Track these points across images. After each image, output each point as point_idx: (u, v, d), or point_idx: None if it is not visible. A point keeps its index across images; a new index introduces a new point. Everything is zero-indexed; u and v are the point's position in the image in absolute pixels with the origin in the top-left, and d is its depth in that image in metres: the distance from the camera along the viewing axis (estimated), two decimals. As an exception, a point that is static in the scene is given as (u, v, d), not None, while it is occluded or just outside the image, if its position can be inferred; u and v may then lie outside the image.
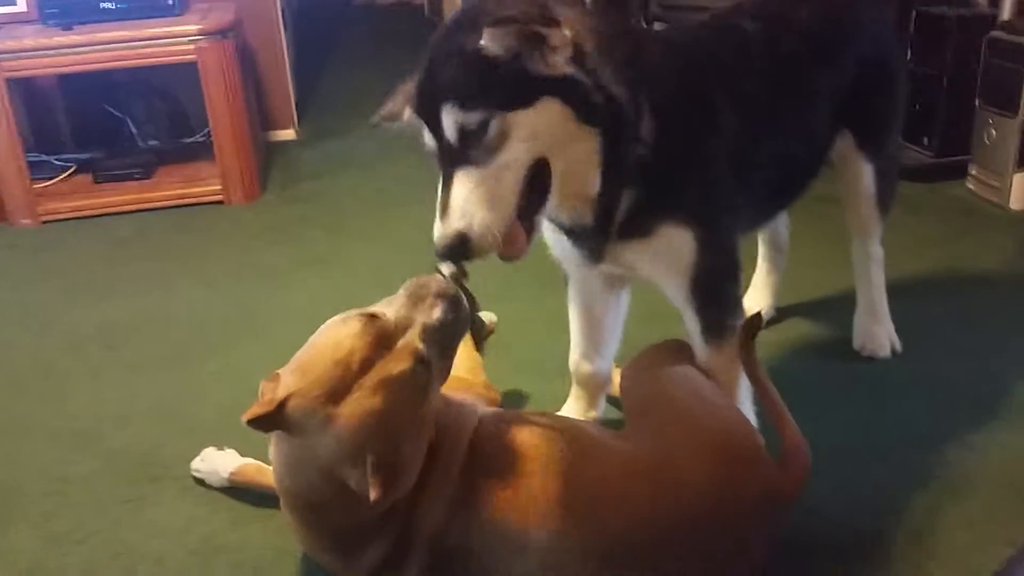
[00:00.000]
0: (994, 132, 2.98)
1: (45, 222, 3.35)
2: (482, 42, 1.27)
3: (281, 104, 4.22)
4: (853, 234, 2.12)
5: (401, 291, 1.42)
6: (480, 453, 1.43)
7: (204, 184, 3.45)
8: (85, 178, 3.57)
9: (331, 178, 3.68)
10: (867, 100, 1.90)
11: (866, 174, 1.98)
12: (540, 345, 2.24)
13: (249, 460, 1.80)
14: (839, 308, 2.30)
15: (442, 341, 1.38)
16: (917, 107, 3.22)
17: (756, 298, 2.32)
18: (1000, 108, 2.95)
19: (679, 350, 1.64)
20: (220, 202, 3.43)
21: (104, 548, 1.68)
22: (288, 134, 4.25)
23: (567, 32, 1.30)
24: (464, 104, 1.29)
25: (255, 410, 1.31)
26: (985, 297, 2.43)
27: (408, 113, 1.45)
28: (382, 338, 1.33)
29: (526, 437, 1.44)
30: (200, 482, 1.83)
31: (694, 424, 1.44)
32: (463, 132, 1.30)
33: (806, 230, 2.52)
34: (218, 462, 1.81)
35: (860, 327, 2.19)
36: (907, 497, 1.68)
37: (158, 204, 3.42)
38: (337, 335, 1.33)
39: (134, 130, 3.93)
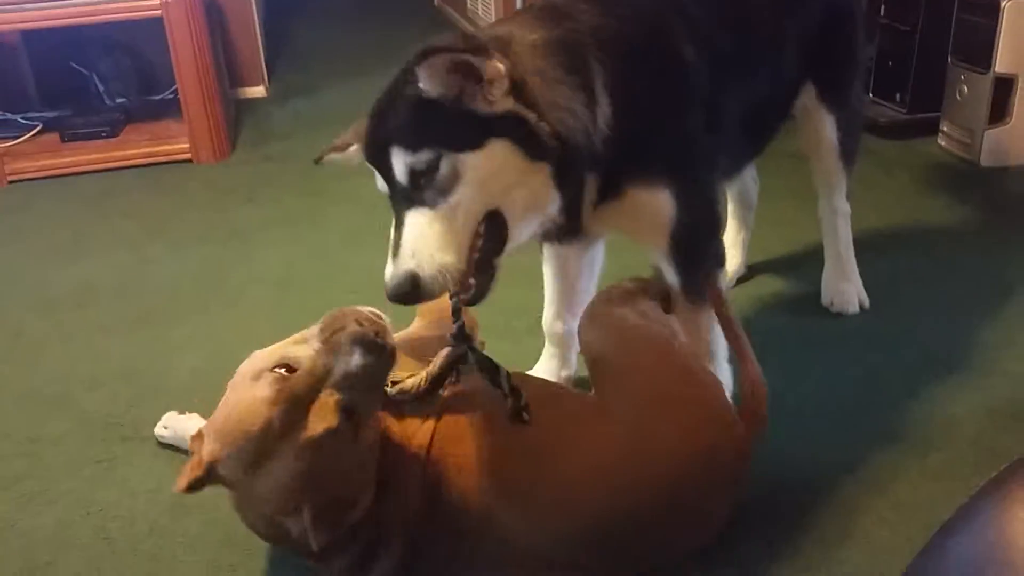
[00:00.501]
0: (966, 88, 2.99)
1: (12, 182, 3.31)
2: (420, 84, 1.26)
3: (251, 60, 4.17)
4: (819, 189, 2.13)
5: (316, 330, 1.32)
6: (445, 437, 1.41)
7: (172, 142, 3.42)
8: (52, 137, 3.53)
9: (302, 137, 3.64)
10: (829, 49, 1.90)
11: (828, 125, 1.99)
12: (510, 303, 2.24)
13: None
14: (808, 265, 2.32)
15: (367, 381, 1.30)
16: (890, 63, 3.22)
17: (726, 256, 2.32)
18: (972, 64, 2.95)
19: (636, 291, 1.58)
20: (189, 160, 3.39)
21: (75, 507, 1.68)
22: (258, 91, 4.20)
23: (499, 65, 1.27)
24: (411, 145, 1.27)
25: (186, 475, 1.28)
26: (954, 253, 2.45)
27: (353, 148, 1.45)
28: (298, 399, 1.25)
29: (492, 414, 1.42)
30: (169, 446, 1.83)
31: (668, 396, 1.42)
32: (413, 173, 1.28)
33: (775, 186, 2.53)
34: (181, 426, 1.81)
35: (828, 283, 2.21)
36: (871, 451, 1.70)
37: (126, 163, 3.38)
38: (251, 402, 1.26)
39: (101, 87, 3.87)
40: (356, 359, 1.27)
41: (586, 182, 1.44)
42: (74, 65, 3.84)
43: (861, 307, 2.18)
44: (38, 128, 3.59)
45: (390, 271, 1.28)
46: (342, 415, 1.25)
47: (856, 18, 1.98)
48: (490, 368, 1.41)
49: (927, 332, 2.08)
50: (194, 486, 1.29)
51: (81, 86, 3.86)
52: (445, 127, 1.27)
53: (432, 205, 1.28)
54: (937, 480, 1.63)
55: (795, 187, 2.62)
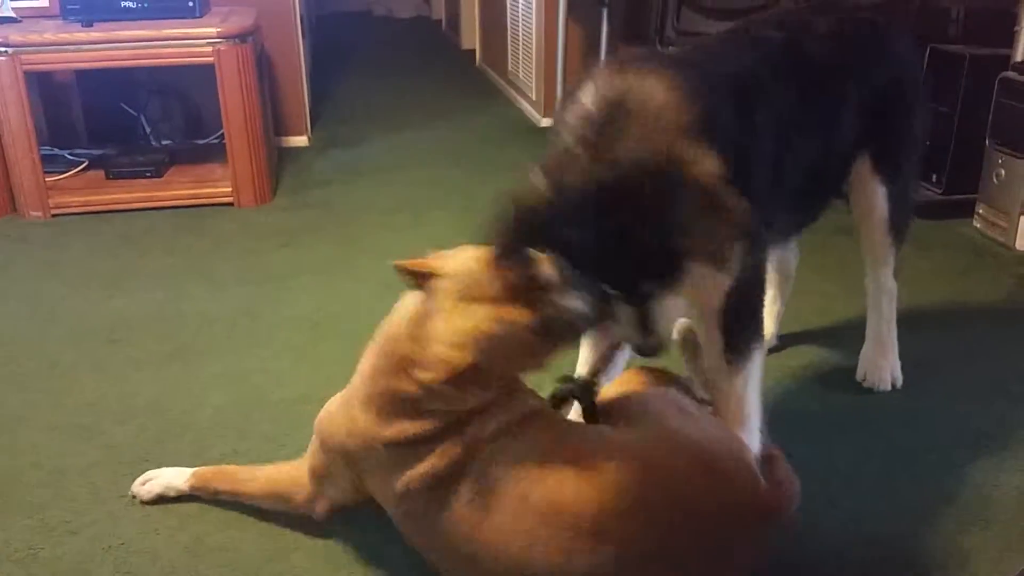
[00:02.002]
0: (1003, 172, 2.99)
1: (55, 215, 3.37)
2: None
3: (295, 110, 4.25)
4: (867, 264, 2.12)
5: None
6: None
7: (215, 185, 3.48)
8: (97, 174, 3.60)
9: (342, 186, 3.70)
10: (887, 123, 1.90)
11: (880, 197, 1.98)
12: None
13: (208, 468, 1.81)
14: (841, 338, 2.31)
15: (558, 330, 1.42)
16: (927, 143, 3.22)
17: (759, 326, 2.32)
18: (1010, 148, 2.96)
19: (665, 376, 1.65)
20: (230, 204, 3.45)
21: (98, 540, 1.68)
22: (301, 140, 4.28)
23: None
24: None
25: (412, 264, 1.45)
26: (988, 336, 2.43)
27: None
28: (527, 286, 1.40)
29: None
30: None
31: (678, 434, 1.46)
32: None
33: (813, 260, 2.53)
34: (168, 475, 1.80)
35: (866, 358, 2.19)
36: (901, 531, 1.68)
37: (168, 203, 3.44)
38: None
39: (148, 129, 3.96)
40: (576, 303, 1.39)
41: None
42: (124, 106, 3.95)
43: (894, 385, 2.16)
44: (84, 164, 3.68)
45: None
46: (537, 323, 1.39)
47: (918, 90, 1.98)
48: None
49: (961, 413, 2.05)
50: (407, 273, 1.45)
51: (129, 126, 3.96)
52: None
53: None
54: (966, 566, 1.60)
55: (834, 260, 2.63)
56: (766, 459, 1.60)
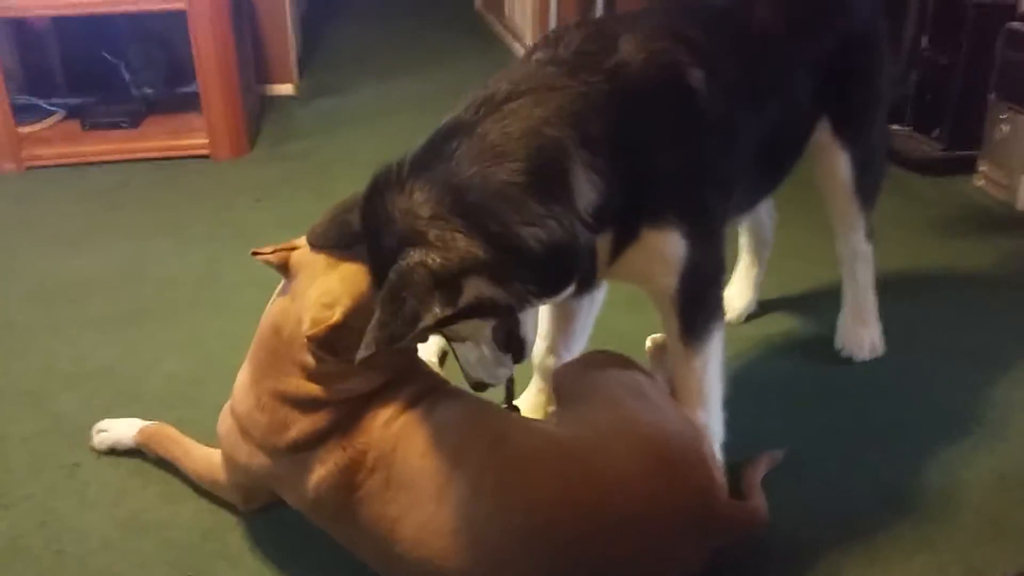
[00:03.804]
0: (1006, 128, 2.86)
1: (29, 168, 3.29)
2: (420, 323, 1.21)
3: (281, 58, 4.12)
4: (835, 229, 2.02)
5: None
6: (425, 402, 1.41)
7: (191, 137, 3.38)
8: (73, 124, 3.51)
9: (324, 136, 3.59)
10: (845, 81, 1.78)
11: (843, 162, 1.87)
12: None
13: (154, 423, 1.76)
14: (825, 304, 2.20)
15: None
16: (928, 96, 3.10)
17: (737, 292, 2.23)
18: (1014, 102, 2.82)
19: (624, 360, 1.57)
20: (207, 156, 3.35)
21: (31, 515, 1.63)
22: (287, 88, 4.16)
23: (464, 293, 1.23)
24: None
25: (270, 250, 1.44)
26: (980, 302, 2.33)
27: None
28: None
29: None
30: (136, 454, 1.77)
31: (632, 420, 1.38)
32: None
33: (794, 218, 2.42)
34: (118, 428, 1.77)
35: (844, 326, 2.10)
36: (867, 513, 1.60)
37: (143, 155, 3.35)
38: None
39: (128, 77, 3.85)
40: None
41: (595, 250, 1.38)
42: (104, 54, 3.83)
43: (874, 354, 2.06)
44: (62, 115, 3.57)
45: None
46: None
47: (876, 47, 1.85)
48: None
49: (942, 386, 1.96)
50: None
51: (109, 74, 3.84)
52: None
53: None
54: (934, 553, 1.52)
55: (815, 219, 2.50)
56: (747, 466, 1.57)
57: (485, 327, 1.33)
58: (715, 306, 1.57)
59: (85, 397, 1.96)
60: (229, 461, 1.52)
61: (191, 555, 1.53)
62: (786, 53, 1.65)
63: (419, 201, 1.23)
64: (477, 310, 1.26)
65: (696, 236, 1.45)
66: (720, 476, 1.39)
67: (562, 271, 1.32)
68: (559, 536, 1.27)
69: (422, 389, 1.41)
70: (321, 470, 1.36)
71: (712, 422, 1.59)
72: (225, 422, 1.52)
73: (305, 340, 1.34)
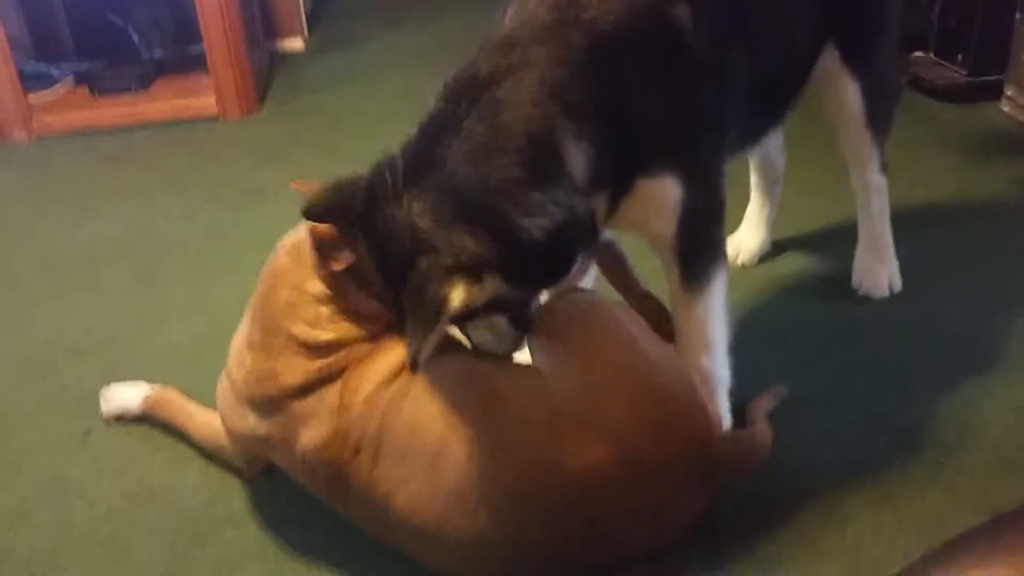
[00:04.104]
0: (1034, 50, 2.74)
1: (40, 138, 3.28)
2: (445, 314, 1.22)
3: (289, 11, 4.05)
4: (848, 162, 1.95)
5: None
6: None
7: (200, 97, 3.34)
8: (82, 90, 3.48)
9: (332, 91, 3.54)
10: (854, 5, 1.70)
11: (852, 92, 1.79)
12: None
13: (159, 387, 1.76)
14: (840, 241, 2.13)
15: None
16: (951, 21, 2.97)
17: (749, 233, 2.17)
18: (1042, 23, 2.70)
19: (608, 304, 1.50)
20: (216, 117, 3.32)
21: (40, 485, 1.64)
22: (296, 43, 4.10)
23: (483, 286, 1.24)
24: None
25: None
26: (1001, 233, 2.24)
27: None
28: None
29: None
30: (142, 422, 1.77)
31: (623, 372, 1.33)
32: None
33: (809, 152, 2.34)
34: (122, 394, 1.77)
35: (860, 264, 2.03)
36: (881, 452, 1.56)
37: (152, 118, 3.32)
38: None
39: (136, 39, 3.81)
40: None
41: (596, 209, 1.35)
42: (110, 16, 3.79)
43: (892, 291, 2.00)
44: (70, 80, 3.55)
45: None
46: None
47: None
48: None
49: (960, 322, 1.89)
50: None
51: (117, 37, 3.81)
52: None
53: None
54: (949, 491, 1.48)
55: (830, 154, 2.42)
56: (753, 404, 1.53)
57: (501, 320, 1.34)
58: (716, 249, 1.51)
59: (91, 366, 1.96)
60: (225, 424, 1.51)
61: (197, 521, 1.53)
62: None
63: (418, 213, 1.23)
64: (493, 306, 1.27)
65: (691, 179, 1.40)
66: (716, 419, 1.37)
67: (568, 250, 1.32)
68: (553, 497, 1.25)
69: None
70: (309, 431, 1.34)
71: (717, 368, 1.54)
72: (221, 384, 1.51)
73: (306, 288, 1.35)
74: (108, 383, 1.85)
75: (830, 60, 1.75)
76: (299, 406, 1.35)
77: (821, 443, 1.59)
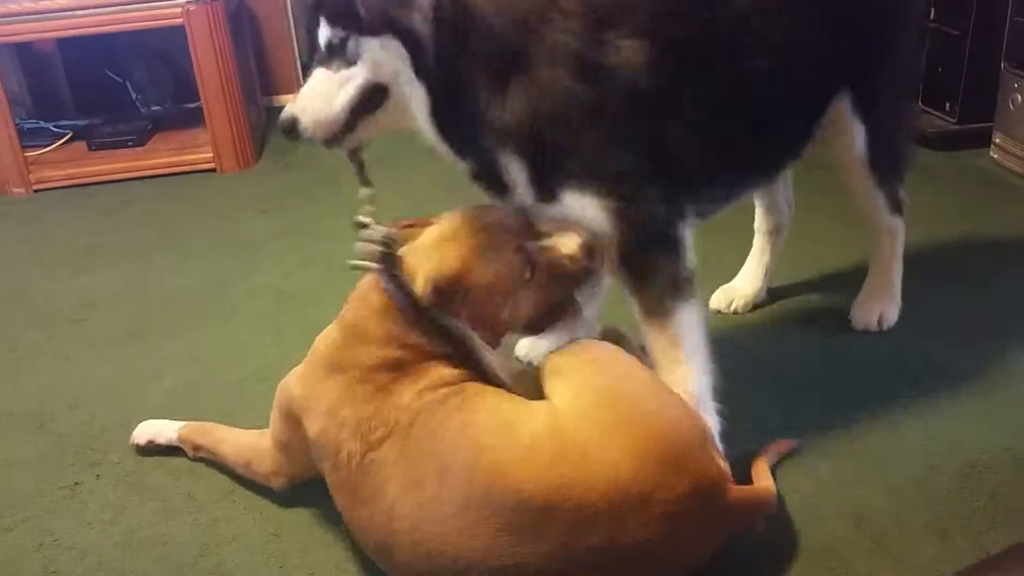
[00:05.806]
0: (1020, 97, 2.78)
1: (37, 191, 3.30)
2: None
3: (285, 69, 4.12)
4: (857, 205, 1.96)
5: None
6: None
7: (197, 152, 3.38)
8: (80, 145, 3.52)
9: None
10: (872, 51, 1.71)
11: (859, 137, 1.79)
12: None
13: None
14: (838, 290, 2.15)
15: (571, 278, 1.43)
16: (939, 69, 3.02)
17: (745, 279, 2.17)
18: (1027, 71, 2.74)
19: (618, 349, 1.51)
20: (213, 170, 3.35)
21: (30, 537, 1.62)
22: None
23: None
24: (331, 22, 1.45)
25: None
26: (998, 279, 2.25)
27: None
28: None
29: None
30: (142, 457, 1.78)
31: (634, 410, 1.33)
32: (329, 44, 1.46)
33: (815, 200, 2.35)
34: (157, 426, 1.81)
35: (860, 298, 2.05)
36: (879, 502, 1.55)
37: (150, 172, 3.35)
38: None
39: (135, 95, 3.86)
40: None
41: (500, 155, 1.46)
42: (108, 73, 3.85)
43: (882, 327, 2.01)
44: (68, 136, 3.59)
45: (287, 109, 1.53)
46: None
47: (913, 12, 1.80)
48: None
49: (956, 364, 1.90)
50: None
51: (116, 93, 3.86)
52: (360, 14, 1.43)
53: (333, 70, 1.47)
54: (944, 537, 1.46)
55: (832, 199, 2.43)
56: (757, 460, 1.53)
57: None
58: (669, 282, 1.53)
59: (86, 418, 1.95)
60: (280, 408, 1.52)
61: (186, 572, 1.51)
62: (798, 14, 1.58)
63: None
64: None
65: (621, 207, 1.45)
66: (724, 464, 1.36)
67: None
68: (555, 527, 1.24)
69: (462, 376, 1.40)
70: (360, 403, 1.37)
71: (704, 400, 1.56)
72: (284, 384, 1.53)
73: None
74: (102, 434, 1.87)
75: (839, 106, 1.75)
76: (371, 376, 1.38)
77: (817, 491, 1.58)
